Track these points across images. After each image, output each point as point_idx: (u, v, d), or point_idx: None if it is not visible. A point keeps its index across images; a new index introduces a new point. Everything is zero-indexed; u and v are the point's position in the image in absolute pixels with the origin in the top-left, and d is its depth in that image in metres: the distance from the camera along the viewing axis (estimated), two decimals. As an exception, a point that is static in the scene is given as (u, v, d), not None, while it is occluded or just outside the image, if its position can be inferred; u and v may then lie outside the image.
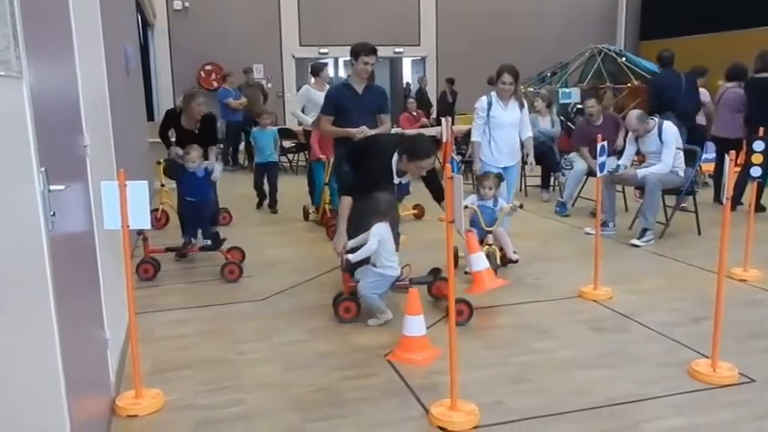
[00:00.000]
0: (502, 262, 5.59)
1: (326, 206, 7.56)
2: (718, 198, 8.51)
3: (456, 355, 3.16)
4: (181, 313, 4.87)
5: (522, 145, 6.18)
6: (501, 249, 5.61)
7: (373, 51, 5.72)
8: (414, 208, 7.95)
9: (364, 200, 4.61)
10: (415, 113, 12.26)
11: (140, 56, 10.43)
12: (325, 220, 7.45)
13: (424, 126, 12.15)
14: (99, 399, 3.20)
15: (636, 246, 6.52)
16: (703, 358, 3.82)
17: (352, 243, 4.57)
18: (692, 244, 6.65)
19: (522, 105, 6.03)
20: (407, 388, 3.58)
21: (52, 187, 2.27)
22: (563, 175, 9.04)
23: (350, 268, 4.55)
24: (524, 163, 6.35)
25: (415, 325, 3.95)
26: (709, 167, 9.00)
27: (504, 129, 5.97)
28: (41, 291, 2.21)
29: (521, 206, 5.53)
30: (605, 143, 5.07)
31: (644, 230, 6.64)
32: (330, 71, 21.60)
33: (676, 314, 4.69)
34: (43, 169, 2.22)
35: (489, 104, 5.99)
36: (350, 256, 4.45)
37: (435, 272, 4.88)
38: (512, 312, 4.80)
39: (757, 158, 5.29)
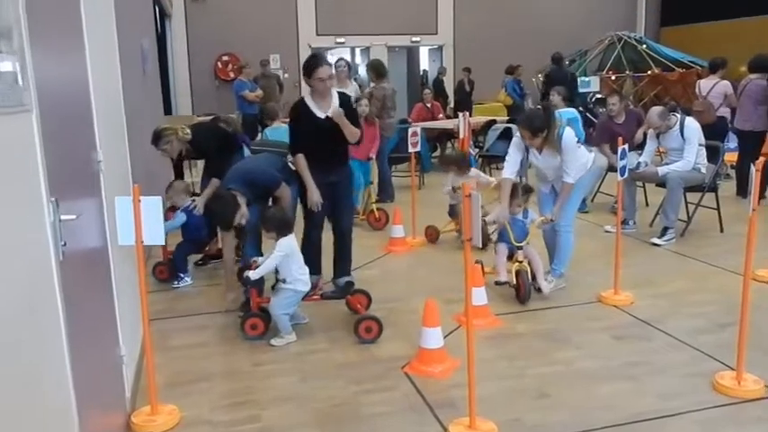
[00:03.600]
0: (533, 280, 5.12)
1: (373, 206, 7.54)
2: (740, 191, 8.38)
3: (474, 375, 3.10)
4: (198, 319, 4.85)
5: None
6: (531, 270, 5.13)
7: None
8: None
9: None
10: (429, 104, 12.04)
11: (157, 47, 10.37)
12: (371, 220, 7.42)
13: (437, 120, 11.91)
14: (114, 416, 3.19)
15: (657, 245, 6.42)
16: (728, 370, 3.74)
17: (260, 260, 4.46)
18: (715, 242, 6.54)
19: (559, 152, 4.98)
20: (425, 404, 3.53)
21: (63, 217, 2.24)
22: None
23: (254, 284, 4.43)
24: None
25: (433, 337, 3.90)
26: (732, 157, 8.86)
27: (543, 171, 5.23)
28: (52, 322, 2.18)
29: (551, 220, 5.13)
30: (626, 147, 4.96)
31: (665, 229, 6.53)
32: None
33: (700, 320, 4.60)
34: (53, 199, 2.19)
35: (527, 148, 5.14)
36: (249, 273, 4.32)
37: (347, 285, 4.85)
38: (531, 318, 4.73)
39: (783, 157, 5.15)
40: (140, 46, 7.01)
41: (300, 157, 4.98)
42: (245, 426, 3.36)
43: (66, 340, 2.25)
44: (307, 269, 4.49)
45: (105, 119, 3.55)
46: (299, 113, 5.03)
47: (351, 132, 5.03)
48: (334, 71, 5.13)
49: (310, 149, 4.99)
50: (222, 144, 5.79)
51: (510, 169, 5.15)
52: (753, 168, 3.46)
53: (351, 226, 5.40)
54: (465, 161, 6.83)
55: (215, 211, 4.89)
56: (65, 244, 2.25)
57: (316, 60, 4.98)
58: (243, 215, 4.77)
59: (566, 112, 5.24)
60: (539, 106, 5.40)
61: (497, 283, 5.08)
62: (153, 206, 3.20)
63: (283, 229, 4.36)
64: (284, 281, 4.36)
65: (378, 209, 7.47)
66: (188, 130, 5.71)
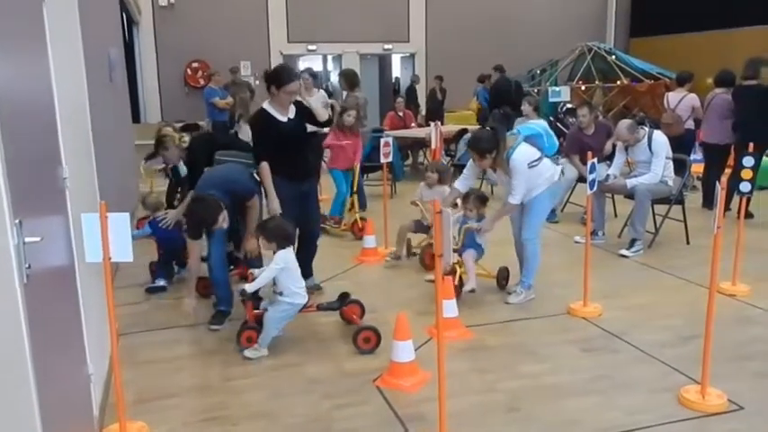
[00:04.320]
0: (459, 283, 5.23)
1: (357, 215, 7.57)
2: (706, 203, 8.52)
3: (444, 391, 3.11)
4: (169, 333, 4.81)
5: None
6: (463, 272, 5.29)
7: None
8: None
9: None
10: (401, 113, 12.07)
11: (125, 54, 10.30)
12: (355, 230, 7.41)
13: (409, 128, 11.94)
14: (82, 434, 3.14)
15: (625, 257, 6.51)
16: (693, 384, 3.80)
17: (257, 272, 4.43)
18: (682, 254, 6.64)
19: (505, 173, 5.11)
20: (397, 418, 3.54)
21: (27, 239, 2.21)
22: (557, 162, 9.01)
23: (250, 296, 4.41)
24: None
25: (404, 350, 3.91)
26: (698, 168, 9.01)
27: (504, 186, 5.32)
28: (17, 347, 2.15)
29: (478, 229, 5.27)
30: (595, 161, 5.03)
31: (633, 241, 6.62)
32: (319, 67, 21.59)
33: (666, 333, 4.66)
34: (17, 221, 2.16)
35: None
36: (246, 286, 4.32)
37: (343, 296, 4.81)
38: (502, 331, 4.77)
39: (747, 174, 5.27)
40: (107, 55, 6.94)
41: (265, 166, 5.02)
42: (215, 443, 3.34)
43: (31, 364, 2.21)
44: (303, 282, 4.48)
45: (71, 132, 3.50)
46: (261, 121, 5.11)
47: (319, 111, 5.28)
48: (300, 84, 5.18)
49: (276, 158, 5.03)
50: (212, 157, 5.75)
51: (462, 182, 5.36)
52: (718, 187, 3.52)
53: (318, 233, 5.59)
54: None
55: (198, 212, 4.75)
56: (29, 266, 2.22)
57: (288, 75, 5.04)
58: (224, 218, 4.73)
59: (534, 126, 5.26)
60: (488, 127, 5.47)
61: (469, 291, 5.17)
62: (120, 223, 3.17)
63: (283, 241, 4.35)
64: (281, 294, 4.34)
65: (361, 218, 7.48)
66: (186, 138, 5.76)
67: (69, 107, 3.59)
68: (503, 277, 5.56)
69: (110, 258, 3.17)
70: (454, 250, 5.18)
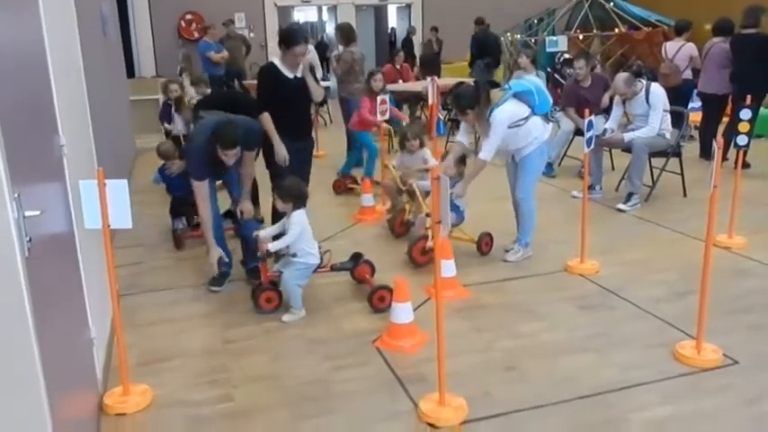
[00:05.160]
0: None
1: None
2: (703, 154, 8.52)
3: (443, 351, 3.15)
4: (168, 294, 4.85)
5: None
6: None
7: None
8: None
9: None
10: (399, 66, 11.93)
11: (117, 7, 10.14)
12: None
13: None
14: (86, 398, 3.18)
15: (622, 211, 6.53)
16: (689, 339, 3.86)
17: (271, 231, 4.47)
18: (678, 207, 6.67)
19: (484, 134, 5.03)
20: (396, 379, 3.59)
21: (27, 213, 2.21)
22: (552, 118, 8.99)
23: (272, 254, 4.46)
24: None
25: (403, 312, 3.94)
26: (696, 117, 8.98)
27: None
28: (20, 317, 2.17)
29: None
30: (593, 118, 5.00)
31: (630, 195, 6.64)
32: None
33: (662, 288, 4.71)
34: (16, 195, 2.15)
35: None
36: (270, 246, 4.31)
37: (356, 257, 4.82)
38: (499, 289, 4.81)
39: (744, 127, 5.25)
40: (99, 9, 6.84)
41: (267, 116, 5.07)
42: (218, 405, 3.39)
43: (34, 333, 2.23)
44: (316, 243, 4.50)
45: (66, 96, 3.48)
46: (269, 75, 5.21)
47: (315, 89, 5.33)
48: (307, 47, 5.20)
49: (278, 112, 5.11)
50: None
51: (463, 136, 5.29)
52: (714, 146, 3.52)
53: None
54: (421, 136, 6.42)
55: (219, 132, 4.52)
56: (30, 240, 2.22)
57: (296, 37, 5.11)
58: (236, 153, 4.55)
59: (525, 82, 5.19)
60: (471, 82, 5.39)
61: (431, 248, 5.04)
62: (119, 189, 3.17)
63: (299, 201, 4.37)
64: (294, 255, 4.35)
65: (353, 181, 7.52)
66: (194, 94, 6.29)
67: (64, 69, 3.56)
68: (484, 243, 5.41)
69: (108, 225, 3.18)
70: (427, 215, 5.18)
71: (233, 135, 4.46)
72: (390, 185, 6.17)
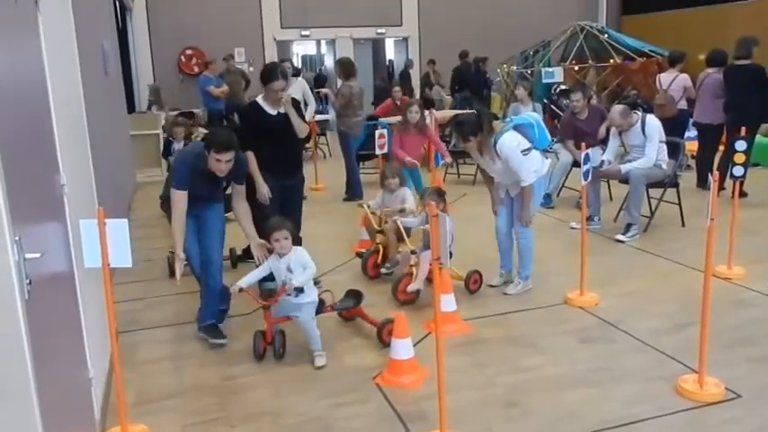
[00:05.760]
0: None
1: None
2: (700, 183, 8.55)
3: (444, 388, 3.14)
4: (167, 331, 4.82)
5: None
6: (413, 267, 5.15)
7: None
8: None
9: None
10: (399, 102, 12.00)
11: (119, 41, 10.24)
12: None
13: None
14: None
15: (621, 241, 6.54)
16: (690, 373, 3.84)
17: (257, 275, 4.31)
18: (677, 237, 6.68)
19: (498, 156, 5.02)
20: (397, 416, 3.57)
21: (28, 256, 2.21)
22: (549, 149, 9.06)
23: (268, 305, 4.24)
24: None
25: (403, 348, 3.93)
26: (693, 146, 9.03)
27: (499, 177, 5.23)
28: (19, 359, 2.17)
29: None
30: (590, 151, 5.04)
31: (629, 225, 6.66)
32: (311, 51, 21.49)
33: (662, 320, 4.70)
34: (17, 238, 2.16)
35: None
36: (295, 283, 4.07)
37: (356, 295, 4.69)
38: (500, 323, 4.80)
39: (739, 158, 5.27)
40: (101, 46, 6.91)
41: (250, 154, 5.07)
42: (218, 445, 3.37)
43: (32, 376, 2.22)
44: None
45: (68, 135, 3.50)
46: (251, 113, 5.27)
47: (299, 125, 5.28)
48: (286, 83, 5.26)
49: (262, 149, 5.14)
50: None
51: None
52: (710, 180, 3.53)
53: (298, 230, 5.23)
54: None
55: (214, 135, 4.48)
56: (30, 282, 2.22)
57: (271, 73, 5.17)
58: (231, 159, 4.38)
59: (526, 116, 5.25)
60: (474, 110, 5.44)
61: (413, 291, 5.04)
62: (119, 229, 3.18)
63: (298, 238, 4.33)
64: (302, 290, 4.14)
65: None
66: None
67: (65, 108, 3.59)
68: (472, 280, 5.31)
69: (108, 264, 3.19)
70: (412, 252, 5.18)
71: (227, 137, 4.39)
72: (370, 222, 5.96)
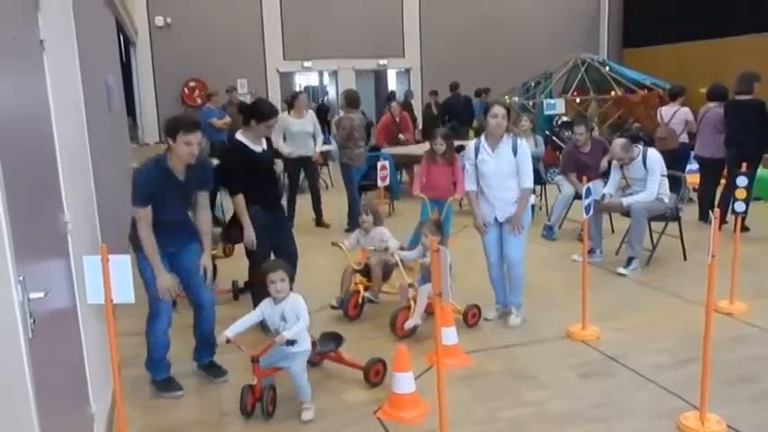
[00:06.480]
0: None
1: None
2: (702, 216, 8.57)
3: (446, 423, 3.14)
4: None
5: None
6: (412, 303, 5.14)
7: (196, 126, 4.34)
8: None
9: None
10: (398, 118, 12.09)
11: (122, 74, 10.34)
12: None
13: (404, 143, 11.94)
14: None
15: (623, 275, 6.55)
16: (692, 409, 3.83)
17: (246, 322, 4.04)
18: (678, 271, 6.68)
19: (515, 150, 5.12)
20: (398, 453, 3.57)
21: (32, 295, 2.24)
22: (551, 180, 9.15)
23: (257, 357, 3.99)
24: None
25: (404, 382, 3.93)
26: (694, 179, 9.06)
27: (492, 179, 5.17)
28: (22, 400, 2.18)
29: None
30: (590, 185, 5.08)
31: (630, 259, 6.67)
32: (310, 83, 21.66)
33: (664, 355, 4.70)
34: (21, 278, 2.18)
35: (477, 150, 5.22)
36: (287, 335, 3.83)
37: (336, 338, 4.52)
38: (502, 356, 4.80)
39: (741, 194, 5.31)
40: (105, 82, 6.98)
41: (241, 199, 5.14)
42: (218, 482, 3.36)
43: (35, 414, 2.24)
44: None
45: (72, 172, 3.53)
46: (239, 154, 5.21)
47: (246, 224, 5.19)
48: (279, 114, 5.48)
49: (251, 187, 5.17)
50: None
51: (470, 181, 5.32)
52: (711, 216, 3.56)
53: (296, 263, 5.24)
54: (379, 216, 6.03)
55: (177, 118, 4.34)
56: (34, 321, 2.25)
57: (271, 111, 5.25)
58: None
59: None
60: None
61: (411, 328, 5.03)
62: (122, 265, 3.19)
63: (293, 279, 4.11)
64: (294, 343, 3.91)
65: None
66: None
67: (70, 145, 3.62)
68: (471, 314, 5.30)
69: (111, 300, 3.20)
70: (409, 285, 5.20)
71: (191, 118, 4.43)
72: (347, 273, 5.74)
